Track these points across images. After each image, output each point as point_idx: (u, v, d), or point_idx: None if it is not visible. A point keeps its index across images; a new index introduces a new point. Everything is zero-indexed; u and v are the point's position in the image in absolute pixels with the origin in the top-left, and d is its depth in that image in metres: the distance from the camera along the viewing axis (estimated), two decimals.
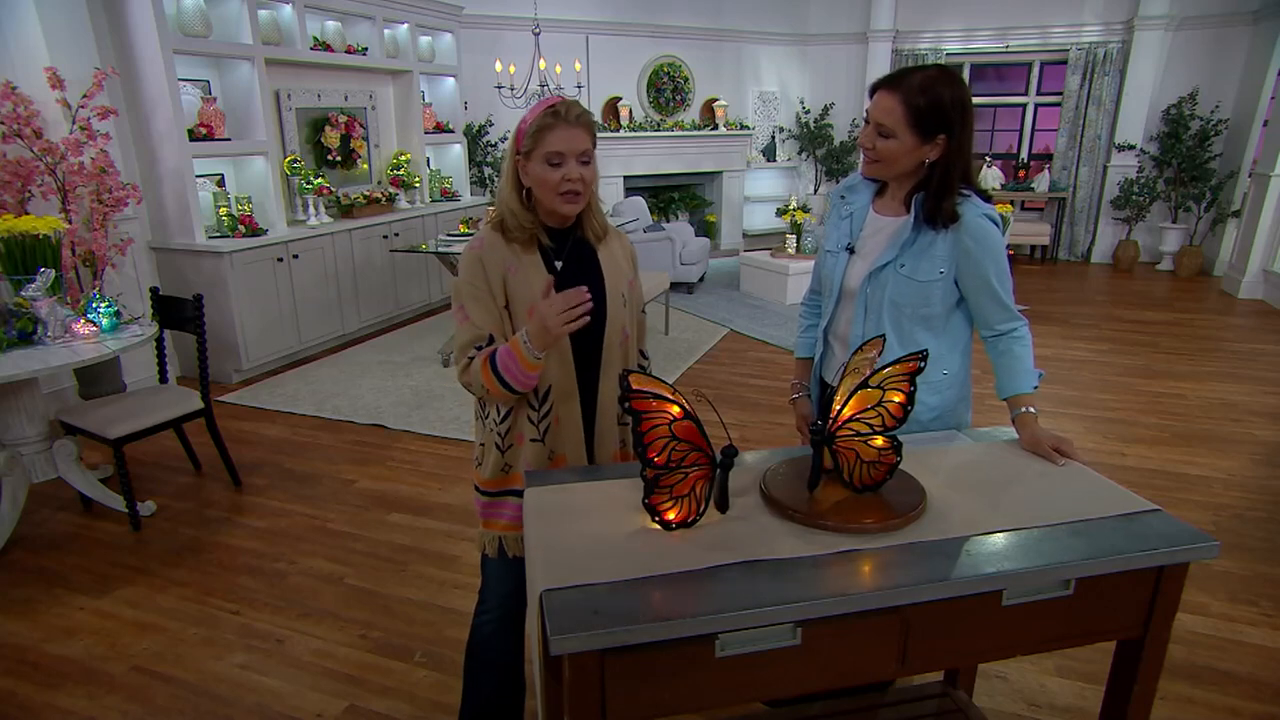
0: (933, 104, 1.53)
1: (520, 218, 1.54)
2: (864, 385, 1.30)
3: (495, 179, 7.48)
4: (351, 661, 2.29)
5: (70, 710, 2.11)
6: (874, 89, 1.61)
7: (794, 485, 1.37)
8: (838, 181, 8.65)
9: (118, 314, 3.06)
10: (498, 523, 1.69)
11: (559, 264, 1.60)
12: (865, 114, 1.64)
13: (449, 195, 6.87)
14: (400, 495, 3.32)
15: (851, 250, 1.74)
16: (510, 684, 1.84)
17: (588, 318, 1.42)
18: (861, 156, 1.73)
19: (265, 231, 4.95)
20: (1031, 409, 1.59)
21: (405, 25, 6.22)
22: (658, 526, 1.25)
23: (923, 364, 1.31)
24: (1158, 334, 5.71)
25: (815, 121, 9.27)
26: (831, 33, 9.04)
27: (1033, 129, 8.86)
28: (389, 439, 3.93)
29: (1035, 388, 1.62)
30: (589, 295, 1.42)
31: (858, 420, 1.31)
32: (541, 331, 1.42)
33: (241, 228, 4.83)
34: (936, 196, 1.59)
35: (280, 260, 4.93)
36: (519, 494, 1.64)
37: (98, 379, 4.22)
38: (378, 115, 6.31)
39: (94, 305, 3.01)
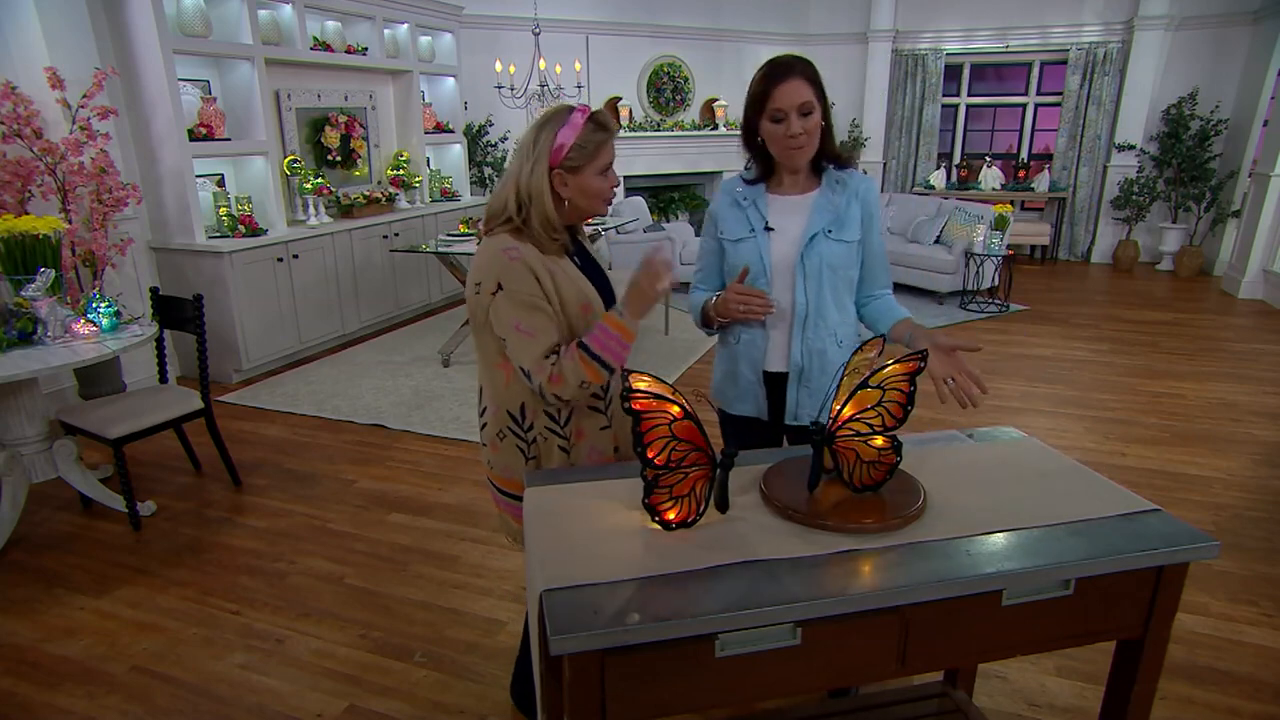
0: (818, 77, 1.71)
1: (558, 230, 1.57)
2: (864, 385, 1.30)
3: (496, 180, 7.47)
4: (351, 661, 2.29)
5: (70, 710, 2.11)
6: (774, 84, 1.68)
7: (794, 485, 1.37)
8: None
9: (118, 314, 3.06)
10: None
11: (577, 260, 1.66)
12: (776, 113, 1.68)
13: (449, 195, 6.87)
14: (400, 495, 3.32)
15: (770, 229, 1.79)
16: None
17: (672, 276, 1.53)
18: (750, 163, 1.84)
19: (265, 231, 4.95)
20: (918, 323, 1.75)
21: (405, 25, 6.22)
22: (658, 526, 1.25)
23: (923, 364, 1.31)
24: (1158, 334, 5.71)
25: None
26: (831, 33, 9.04)
27: (1033, 129, 8.86)
28: (389, 439, 3.93)
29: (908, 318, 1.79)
30: (667, 251, 1.52)
31: (858, 420, 1.31)
32: (640, 298, 1.51)
33: (241, 228, 4.83)
34: (833, 153, 1.79)
35: (280, 260, 4.93)
36: None
37: (98, 379, 4.22)
38: (378, 115, 6.31)
39: (94, 305, 3.01)
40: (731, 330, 1.88)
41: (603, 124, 1.54)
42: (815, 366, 1.80)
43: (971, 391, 1.58)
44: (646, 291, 1.51)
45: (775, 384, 1.86)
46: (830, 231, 1.75)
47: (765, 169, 1.83)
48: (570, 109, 1.53)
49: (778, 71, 1.68)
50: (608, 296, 1.68)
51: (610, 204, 1.62)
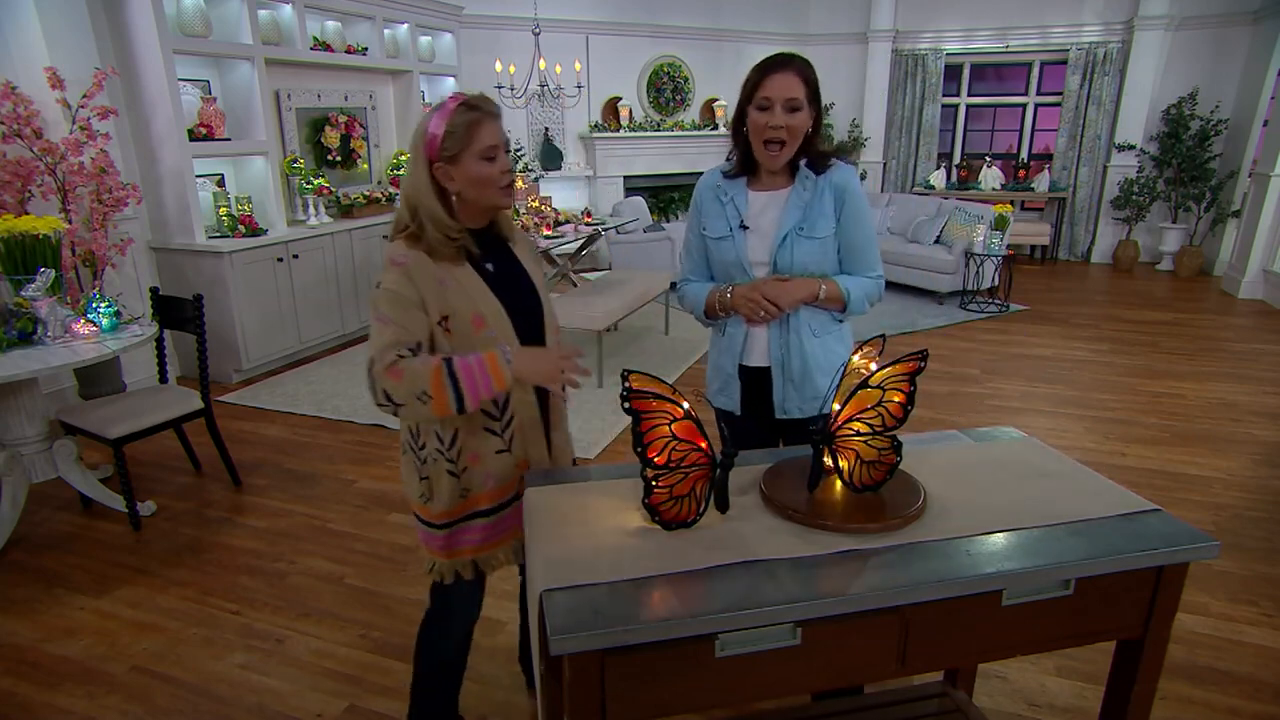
0: (815, 79, 1.73)
1: (449, 229, 1.46)
2: (864, 385, 1.30)
3: None
4: (351, 661, 2.29)
5: (70, 710, 2.11)
6: (768, 73, 1.71)
7: (794, 485, 1.37)
8: None
9: (118, 314, 3.06)
10: (464, 549, 1.63)
11: (490, 266, 1.55)
12: (763, 100, 1.70)
13: None
14: (400, 495, 3.32)
15: (746, 227, 1.81)
16: (459, 676, 1.92)
17: (578, 381, 1.48)
18: (731, 154, 1.85)
19: (265, 231, 4.95)
20: (824, 285, 1.76)
21: (405, 25, 6.22)
22: (658, 526, 1.25)
23: (923, 364, 1.31)
24: (1158, 334, 5.71)
25: None
26: (831, 33, 9.04)
27: (1033, 129, 8.86)
28: (389, 439, 3.93)
29: (847, 293, 1.78)
30: (583, 357, 1.49)
31: (858, 420, 1.31)
32: (538, 365, 1.45)
33: (241, 228, 4.83)
34: (818, 153, 1.79)
35: (280, 260, 4.93)
36: (486, 513, 1.60)
37: (98, 379, 4.21)
38: (378, 115, 6.31)
39: (94, 305, 3.01)
40: (719, 324, 1.91)
41: (473, 105, 1.44)
42: (795, 358, 1.83)
43: (766, 305, 1.71)
44: (548, 369, 1.44)
45: (754, 379, 1.89)
46: (802, 229, 1.76)
47: (746, 164, 1.85)
48: (446, 99, 1.46)
49: (775, 61, 1.72)
50: (528, 302, 1.58)
51: (509, 194, 1.50)
